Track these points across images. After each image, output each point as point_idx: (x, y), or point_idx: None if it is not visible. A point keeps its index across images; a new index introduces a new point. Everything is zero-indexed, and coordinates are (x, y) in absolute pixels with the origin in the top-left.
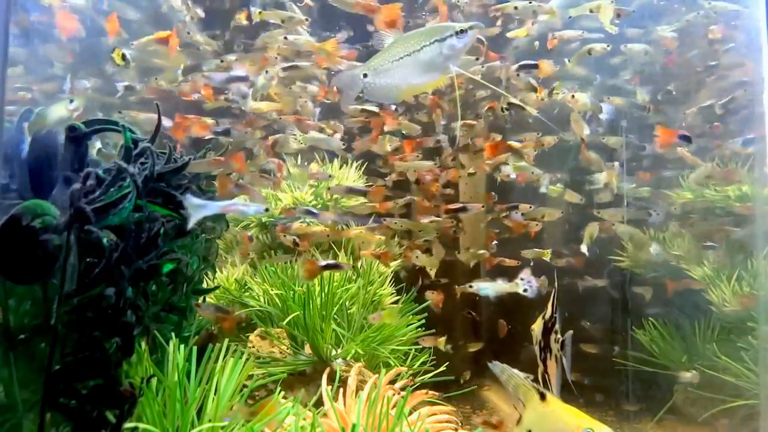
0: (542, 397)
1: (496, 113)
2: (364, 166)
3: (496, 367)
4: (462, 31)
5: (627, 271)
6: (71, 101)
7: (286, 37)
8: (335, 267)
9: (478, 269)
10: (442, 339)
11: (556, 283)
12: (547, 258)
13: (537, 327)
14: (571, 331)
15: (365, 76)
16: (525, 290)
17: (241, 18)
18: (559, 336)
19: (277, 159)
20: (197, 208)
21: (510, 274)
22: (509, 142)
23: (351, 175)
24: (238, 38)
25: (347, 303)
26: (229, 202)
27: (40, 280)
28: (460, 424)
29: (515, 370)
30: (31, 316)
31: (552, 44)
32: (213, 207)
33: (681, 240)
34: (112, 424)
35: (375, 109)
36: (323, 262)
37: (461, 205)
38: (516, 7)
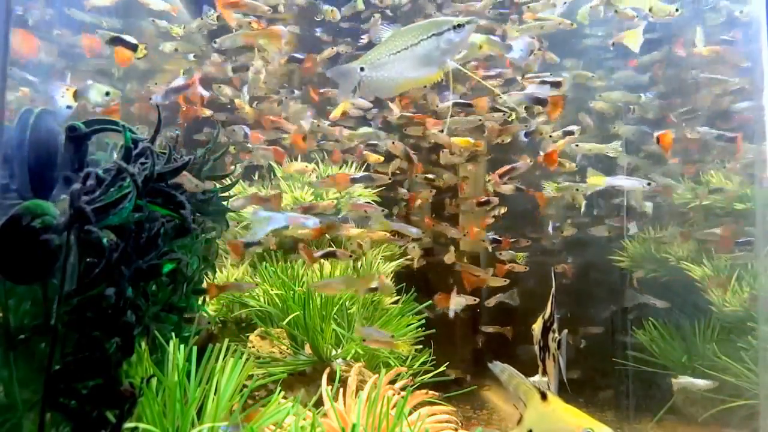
0: (543, 396)
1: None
2: (364, 165)
3: (497, 367)
4: (459, 26)
5: (627, 271)
6: (107, 93)
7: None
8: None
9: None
10: (400, 342)
11: (554, 284)
12: (521, 262)
13: (537, 327)
14: (566, 330)
15: (362, 69)
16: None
17: (329, 15)
18: (556, 335)
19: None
20: (264, 221)
21: (519, 278)
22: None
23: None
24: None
25: (347, 303)
26: (292, 214)
27: (40, 280)
28: (460, 424)
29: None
30: (31, 316)
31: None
32: (279, 219)
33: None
34: (112, 424)
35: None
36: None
37: (485, 198)
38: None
